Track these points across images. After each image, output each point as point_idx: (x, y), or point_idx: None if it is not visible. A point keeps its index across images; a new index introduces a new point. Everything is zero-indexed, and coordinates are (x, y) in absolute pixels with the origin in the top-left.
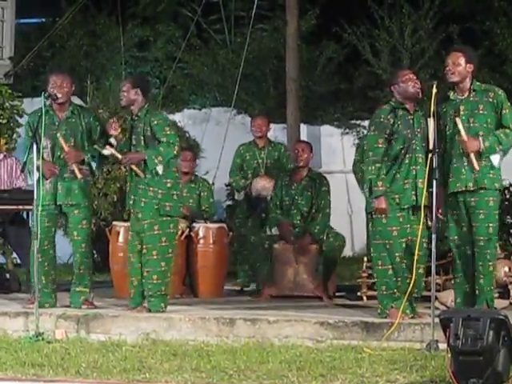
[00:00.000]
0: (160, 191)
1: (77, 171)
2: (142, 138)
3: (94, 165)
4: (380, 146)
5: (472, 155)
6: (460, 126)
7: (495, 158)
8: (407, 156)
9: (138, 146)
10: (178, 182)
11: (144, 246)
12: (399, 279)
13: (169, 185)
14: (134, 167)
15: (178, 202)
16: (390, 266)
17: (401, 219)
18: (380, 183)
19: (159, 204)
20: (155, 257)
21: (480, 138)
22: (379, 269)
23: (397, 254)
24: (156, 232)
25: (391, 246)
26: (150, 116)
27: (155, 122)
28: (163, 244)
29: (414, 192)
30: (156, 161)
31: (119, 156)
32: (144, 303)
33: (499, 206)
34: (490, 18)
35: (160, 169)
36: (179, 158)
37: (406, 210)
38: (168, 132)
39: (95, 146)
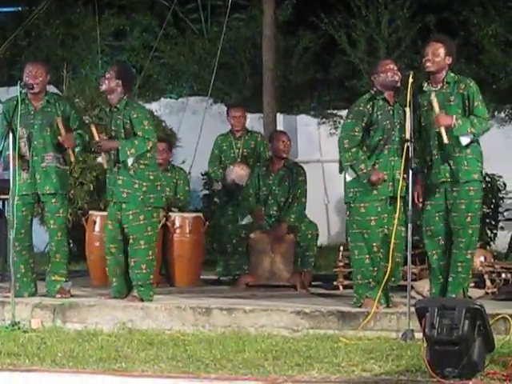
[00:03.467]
0: (144, 184)
1: (72, 156)
2: (123, 130)
3: (77, 150)
4: (356, 133)
5: (442, 129)
6: (434, 101)
7: (465, 140)
8: (386, 147)
9: (118, 137)
10: (159, 172)
11: (130, 237)
12: (376, 269)
13: (151, 177)
14: (103, 154)
15: (161, 192)
16: (367, 256)
17: (379, 209)
18: (363, 165)
19: (144, 196)
20: (143, 246)
21: (454, 116)
22: (356, 258)
23: (374, 244)
24: (142, 222)
25: (369, 236)
26: (129, 109)
27: (134, 116)
28: (149, 233)
29: (391, 183)
30: (128, 153)
31: (96, 137)
32: (133, 293)
33: (481, 196)
34: (466, 9)
35: (130, 161)
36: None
37: (383, 201)
38: (146, 127)
39: (80, 132)
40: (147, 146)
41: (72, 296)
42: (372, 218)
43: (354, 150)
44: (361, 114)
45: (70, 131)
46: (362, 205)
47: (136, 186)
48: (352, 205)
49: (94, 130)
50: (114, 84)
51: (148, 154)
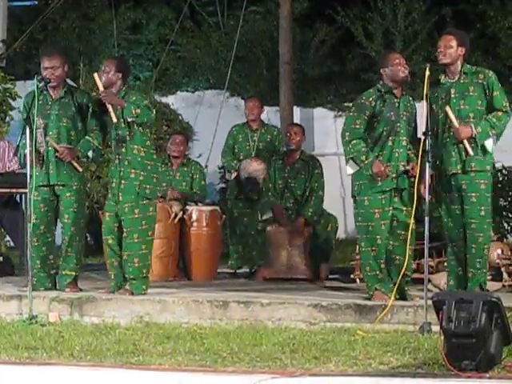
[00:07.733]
0: (142, 173)
1: (76, 165)
2: (122, 119)
3: (91, 154)
4: (357, 127)
5: (465, 141)
6: (450, 115)
7: (489, 144)
8: (390, 138)
9: (119, 127)
10: (158, 164)
11: (124, 230)
12: (381, 261)
13: (149, 167)
14: (110, 107)
15: (157, 184)
16: (372, 248)
17: (383, 201)
18: (363, 157)
19: (140, 186)
20: (136, 240)
21: (471, 124)
22: (362, 250)
23: (378, 237)
24: (136, 215)
25: (373, 228)
26: (127, 97)
27: (133, 98)
28: (144, 227)
29: (394, 175)
30: (133, 112)
31: (101, 87)
32: (125, 286)
33: (492, 189)
34: (482, 1)
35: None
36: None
37: (387, 193)
38: (148, 105)
39: (87, 138)
40: (151, 115)
41: (81, 290)
42: (376, 210)
43: (354, 142)
44: (363, 107)
45: (70, 144)
46: (365, 197)
47: (132, 175)
48: (357, 198)
49: (97, 79)
50: (114, 78)
51: (147, 142)
